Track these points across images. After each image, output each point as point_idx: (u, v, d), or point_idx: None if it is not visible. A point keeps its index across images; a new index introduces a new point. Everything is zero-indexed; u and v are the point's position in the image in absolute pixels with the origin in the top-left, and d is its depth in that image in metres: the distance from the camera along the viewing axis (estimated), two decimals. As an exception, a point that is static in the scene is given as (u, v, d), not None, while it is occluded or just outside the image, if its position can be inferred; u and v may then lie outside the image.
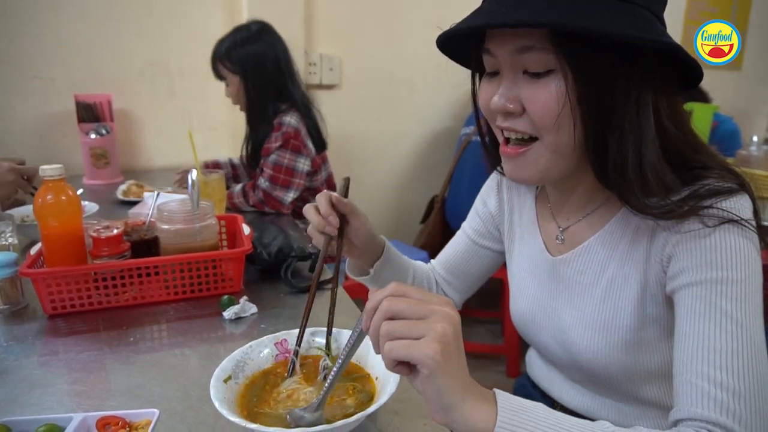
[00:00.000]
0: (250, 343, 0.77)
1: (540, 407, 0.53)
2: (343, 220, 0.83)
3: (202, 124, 2.41)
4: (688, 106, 2.06)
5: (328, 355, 0.76)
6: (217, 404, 0.63)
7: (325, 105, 1.99)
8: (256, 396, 0.70)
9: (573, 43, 0.59)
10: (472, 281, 1.01)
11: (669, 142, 0.64)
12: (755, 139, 2.29)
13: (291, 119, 1.78)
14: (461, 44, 0.71)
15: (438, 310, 0.50)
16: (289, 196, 1.78)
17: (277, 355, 0.78)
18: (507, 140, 0.70)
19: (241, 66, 1.80)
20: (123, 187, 1.91)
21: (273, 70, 1.82)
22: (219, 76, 1.87)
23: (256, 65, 1.80)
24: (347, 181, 0.88)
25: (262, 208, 1.79)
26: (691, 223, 0.62)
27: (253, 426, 0.60)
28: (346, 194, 0.86)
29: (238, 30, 1.85)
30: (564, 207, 0.80)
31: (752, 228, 0.61)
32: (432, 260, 1.05)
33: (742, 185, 0.64)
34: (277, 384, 0.73)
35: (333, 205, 0.81)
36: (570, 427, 0.51)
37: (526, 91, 0.64)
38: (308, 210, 0.82)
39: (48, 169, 0.96)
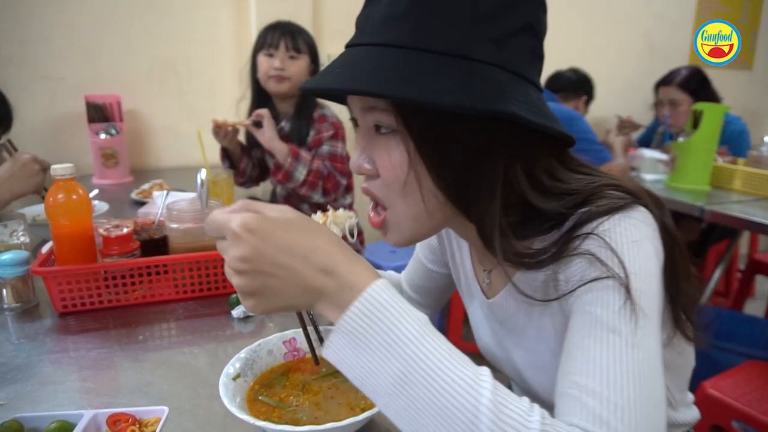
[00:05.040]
0: (258, 342, 0.77)
1: (412, 321, 0.47)
2: None
3: (210, 123, 2.42)
4: (699, 106, 2.04)
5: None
6: (226, 402, 0.63)
7: (333, 104, 1.99)
8: (264, 393, 0.71)
9: (409, 106, 0.55)
10: (436, 298, 0.99)
11: (527, 205, 0.60)
12: (766, 139, 2.26)
13: (332, 112, 1.84)
14: None
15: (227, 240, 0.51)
16: (343, 181, 1.82)
17: (285, 353, 0.78)
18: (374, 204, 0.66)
19: (310, 49, 1.84)
20: (145, 186, 1.92)
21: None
22: (297, 49, 1.81)
23: (316, 52, 1.87)
24: None
25: (317, 181, 1.75)
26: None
27: (261, 423, 0.60)
28: None
29: (289, 22, 1.87)
30: (481, 250, 0.75)
31: (615, 253, 0.55)
32: (401, 274, 1.03)
33: (636, 197, 0.60)
34: (286, 381, 0.74)
35: None
36: (437, 377, 0.45)
37: (376, 149, 0.61)
38: None
39: (59, 169, 0.97)
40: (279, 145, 1.71)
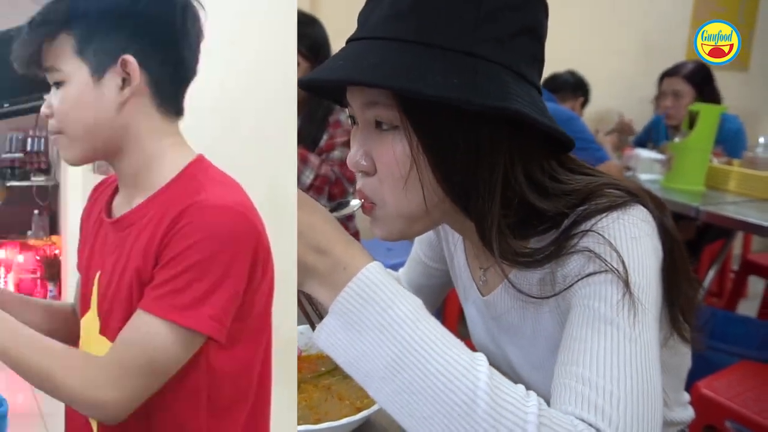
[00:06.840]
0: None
1: (407, 303, 0.46)
2: None
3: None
4: (695, 107, 2.05)
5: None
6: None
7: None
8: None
9: (413, 101, 0.54)
10: (435, 296, 0.99)
11: (527, 205, 0.59)
12: (762, 140, 2.26)
13: (347, 117, 1.77)
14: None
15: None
16: (351, 188, 1.77)
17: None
18: None
19: (312, 50, 1.71)
20: None
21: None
22: None
23: (325, 49, 1.73)
24: None
25: (323, 186, 1.73)
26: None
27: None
28: None
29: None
30: (479, 248, 0.73)
31: (615, 250, 0.55)
32: (399, 272, 1.02)
33: (635, 196, 0.60)
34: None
35: None
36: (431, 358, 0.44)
37: (376, 146, 0.60)
38: None
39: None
40: None
